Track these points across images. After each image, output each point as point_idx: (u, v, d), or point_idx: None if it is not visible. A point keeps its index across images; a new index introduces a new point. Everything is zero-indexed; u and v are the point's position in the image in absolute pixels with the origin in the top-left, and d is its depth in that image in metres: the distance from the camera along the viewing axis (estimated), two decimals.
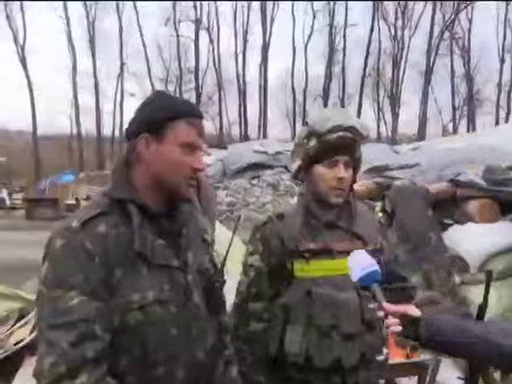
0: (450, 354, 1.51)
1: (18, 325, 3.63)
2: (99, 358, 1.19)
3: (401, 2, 39.16)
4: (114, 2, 37.94)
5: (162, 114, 1.35)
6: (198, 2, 39.15)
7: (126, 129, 1.43)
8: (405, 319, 1.41)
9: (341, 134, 1.76)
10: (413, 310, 1.43)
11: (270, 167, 19.95)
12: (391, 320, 1.41)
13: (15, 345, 3.53)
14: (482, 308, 1.70)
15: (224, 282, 1.59)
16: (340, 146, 1.77)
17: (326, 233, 1.83)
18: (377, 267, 1.46)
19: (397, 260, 1.97)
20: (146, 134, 1.35)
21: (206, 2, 39.59)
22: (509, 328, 1.39)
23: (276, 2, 39.65)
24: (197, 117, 1.40)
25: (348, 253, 1.80)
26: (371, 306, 1.45)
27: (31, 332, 3.51)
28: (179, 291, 1.36)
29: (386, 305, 1.42)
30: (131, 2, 38.15)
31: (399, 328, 1.40)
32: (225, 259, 1.67)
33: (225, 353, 1.60)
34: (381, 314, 1.42)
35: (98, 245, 1.24)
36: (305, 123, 1.85)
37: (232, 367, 1.62)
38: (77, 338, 1.16)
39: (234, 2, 40.11)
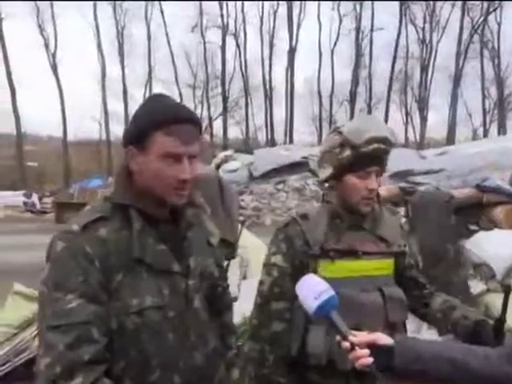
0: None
1: None
2: (95, 360, 1.19)
3: (429, 5, 38.74)
4: (143, 11, 38.54)
5: (141, 125, 1.32)
6: (225, 9, 39.50)
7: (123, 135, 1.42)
8: (375, 349, 1.25)
9: (376, 145, 1.76)
10: (384, 339, 1.28)
11: (296, 172, 19.91)
12: (359, 352, 1.24)
13: None
14: (500, 324, 1.65)
15: (227, 285, 1.60)
16: (374, 157, 1.78)
17: (351, 234, 1.83)
18: (332, 292, 1.30)
19: (418, 265, 1.94)
20: (131, 146, 1.34)
21: (233, 8, 39.93)
22: (492, 355, 1.25)
23: (302, 8, 39.70)
24: (180, 123, 1.31)
25: (373, 254, 1.82)
26: (337, 338, 1.29)
27: None
28: (179, 296, 1.36)
29: (351, 337, 1.27)
30: (159, 11, 38.71)
31: (370, 360, 1.23)
32: (228, 265, 1.67)
33: (228, 354, 1.60)
34: (346, 345, 1.26)
35: (98, 248, 1.25)
36: (336, 131, 1.84)
37: (234, 369, 1.61)
38: (73, 341, 1.17)
39: (261, 9, 40.33)
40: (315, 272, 1.79)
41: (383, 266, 1.86)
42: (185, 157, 1.32)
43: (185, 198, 1.37)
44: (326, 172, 1.87)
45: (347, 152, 1.79)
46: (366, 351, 1.24)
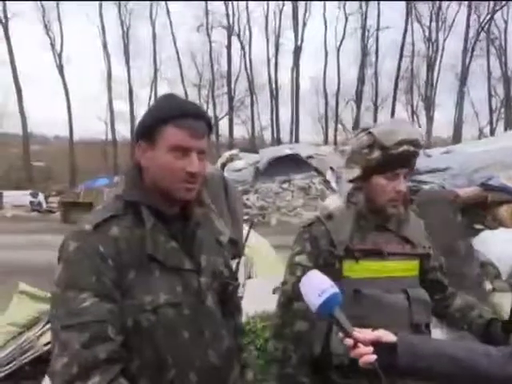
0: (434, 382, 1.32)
1: (48, 326, 3.71)
2: (111, 359, 1.18)
3: (435, 4, 38.57)
4: (148, 11, 38.61)
5: (150, 121, 1.35)
6: (230, 9, 39.50)
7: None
8: (378, 346, 1.25)
9: (405, 147, 1.76)
10: (387, 336, 1.27)
11: (301, 171, 19.89)
12: (363, 349, 1.23)
13: (45, 346, 3.61)
14: (509, 324, 1.66)
15: (238, 285, 1.59)
16: (403, 159, 1.78)
17: (376, 235, 1.83)
18: (336, 289, 1.29)
19: (442, 267, 1.92)
20: (140, 140, 1.36)
21: (238, 8, 39.93)
22: (495, 354, 1.25)
23: (308, 7, 39.62)
24: (188, 117, 1.33)
25: (398, 255, 1.82)
26: (339, 335, 1.29)
27: None
28: (192, 294, 1.35)
29: (355, 333, 1.25)
30: (165, 10, 38.78)
31: (373, 357, 1.22)
32: (238, 263, 1.67)
33: (242, 356, 1.59)
34: (349, 342, 1.25)
35: (111, 247, 1.25)
36: (365, 132, 1.82)
37: (248, 370, 1.61)
38: (89, 339, 1.17)
39: (266, 8, 40.31)
40: (340, 272, 1.80)
41: (408, 268, 1.85)
42: (193, 151, 1.33)
43: (193, 193, 1.38)
44: (354, 172, 1.86)
45: (376, 153, 1.78)
46: (370, 348, 1.24)
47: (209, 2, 38.98)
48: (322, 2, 39.74)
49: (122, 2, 37.85)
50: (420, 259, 1.89)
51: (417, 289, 1.85)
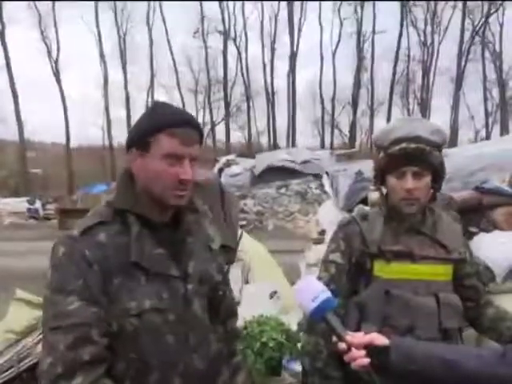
0: None
1: None
2: (95, 361, 1.23)
3: (430, 8, 38.74)
4: (145, 17, 38.68)
5: (144, 129, 1.38)
6: (226, 14, 39.59)
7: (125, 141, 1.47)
8: (371, 350, 1.27)
9: (403, 145, 1.77)
10: (380, 339, 1.29)
11: (298, 176, 19.92)
12: (356, 352, 1.26)
13: None
14: None
15: (228, 290, 1.61)
16: (405, 157, 1.78)
17: (409, 237, 1.84)
18: (328, 294, 1.32)
19: (478, 274, 1.89)
20: (133, 148, 1.39)
21: (234, 13, 40.04)
22: (486, 356, 1.27)
23: (303, 12, 39.76)
24: (180, 126, 1.36)
25: (430, 259, 1.82)
26: (334, 339, 1.31)
27: None
28: (178, 300, 1.38)
29: (348, 337, 1.28)
30: (160, 16, 38.84)
31: (366, 360, 1.25)
32: (228, 269, 1.68)
33: (233, 360, 1.61)
34: (343, 346, 1.28)
35: (97, 252, 1.29)
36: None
37: (240, 374, 1.62)
38: (74, 341, 1.21)
39: (261, 13, 40.45)
40: (370, 271, 1.83)
41: (440, 272, 1.85)
42: (186, 158, 1.36)
43: (184, 200, 1.41)
44: (373, 174, 1.92)
45: (381, 154, 1.83)
46: (363, 352, 1.26)
47: (204, 8, 39.14)
48: (318, 7, 39.89)
49: (118, 9, 37.95)
50: (454, 264, 1.87)
51: (448, 293, 1.84)
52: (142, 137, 1.37)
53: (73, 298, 1.25)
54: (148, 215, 1.38)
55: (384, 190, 1.92)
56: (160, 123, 1.35)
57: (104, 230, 1.33)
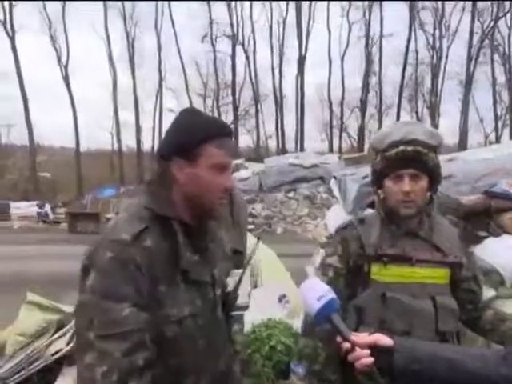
0: None
1: (56, 336, 3.74)
2: (147, 366, 1.22)
3: (438, 11, 38.64)
4: (153, 21, 38.91)
5: (192, 139, 1.37)
6: (234, 18, 39.72)
7: (158, 150, 1.46)
8: (375, 349, 1.27)
9: (401, 148, 1.79)
10: (384, 339, 1.29)
11: (307, 180, 19.91)
12: (359, 352, 1.27)
13: (53, 355, 3.63)
14: None
15: (236, 296, 1.63)
16: (402, 160, 1.80)
17: (406, 240, 1.86)
18: (333, 294, 1.33)
19: (476, 278, 1.91)
20: (177, 157, 1.37)
21: (242, 17, 40.17)
22: (489, 357, 1.27)
23: (311, 15, 39.77)
24: (226, 136, 1.40)
25: (427, 262, 1.83)
26: (338, 339, 1.31)
27: (68, 343, 3.61)
28: (208, 305, 1.41)
29: (352, 337, 1.29)
30: (169, 21, 39.02)
31: (370, 360, 1.26)
32: (242, 273, 1.70)
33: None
34: (347, 345, 1.28)
35: (145, 258, 1.27)
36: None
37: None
38: (130, 348, 1.19)
39: (270, 17, 40.56)
40: (368, 275, 1.84)
41: (437, 275, 1.86)
42: (229, 167, 1.41)
43: (223, 207, 1.46)
44: (371, 178, 1.94)
45: (378, 158, 1.85)
46: (367, 352, 1.27)
47: (213, 12, 39.26)
48: (326, 11, 39.91)
49: (127, 13, 38.22)
50: (451, 268, 1.88)
51: (445, 296, 1.85)
52: (188, 147, 1.37)
53: (125, 304, 1.21)
54: (189, 222, 1.40)
55: (381, 194, 1.94)
56: (206, 134, 1.37)
57: (150, 236, 1.31)
